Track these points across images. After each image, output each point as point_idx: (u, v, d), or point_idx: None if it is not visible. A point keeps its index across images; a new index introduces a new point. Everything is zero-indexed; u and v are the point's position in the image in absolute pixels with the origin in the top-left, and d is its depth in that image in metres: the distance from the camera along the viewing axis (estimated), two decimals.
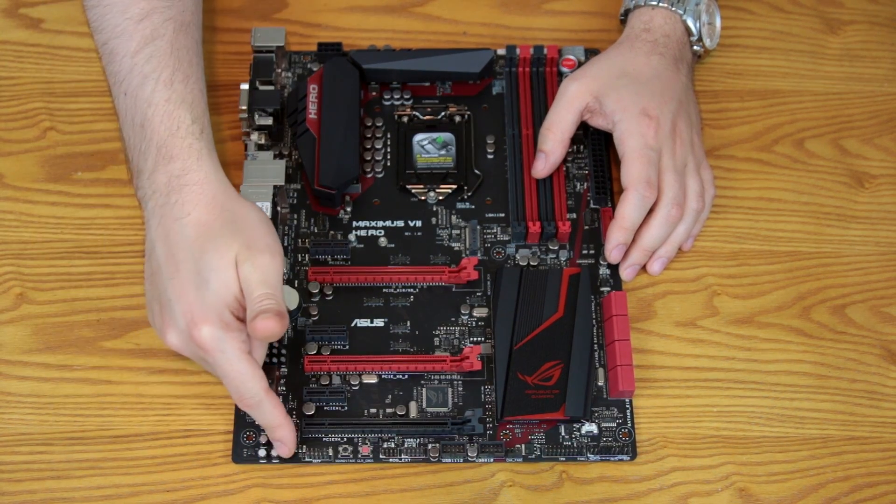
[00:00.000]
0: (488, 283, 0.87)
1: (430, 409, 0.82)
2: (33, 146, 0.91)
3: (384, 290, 0.86)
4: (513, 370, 0.82)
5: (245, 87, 0.90)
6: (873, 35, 0.99)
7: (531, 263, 0.87)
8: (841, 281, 0.88)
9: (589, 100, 0.88)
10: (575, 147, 0.92)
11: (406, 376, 0.83)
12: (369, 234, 0.89)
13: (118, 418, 0.82)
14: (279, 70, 0.94)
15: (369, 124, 0.93)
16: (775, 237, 0.90)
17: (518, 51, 0.95)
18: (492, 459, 0.81)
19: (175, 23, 0.83)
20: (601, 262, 0.88)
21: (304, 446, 0.81)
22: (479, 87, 0.95)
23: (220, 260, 0.76)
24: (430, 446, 0.81)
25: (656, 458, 0.82)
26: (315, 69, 0.95)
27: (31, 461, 0.80)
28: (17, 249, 0.87)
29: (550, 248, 0.88)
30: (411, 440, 0.81)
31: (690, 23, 0.91)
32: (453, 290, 0.87)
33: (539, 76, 0.95)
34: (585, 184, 0.91)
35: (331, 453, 0.81)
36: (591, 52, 0.96)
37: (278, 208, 0.88)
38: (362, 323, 0.85)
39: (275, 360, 0.83)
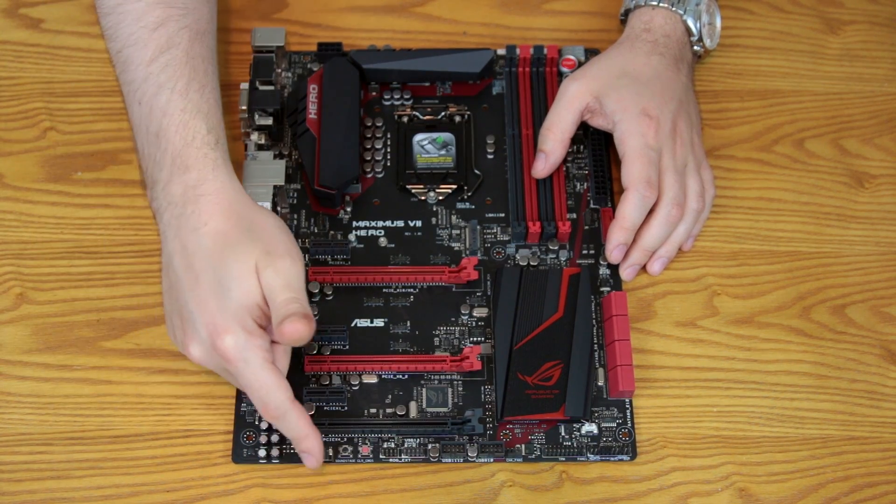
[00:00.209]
0: (488, 283, 0.87)
1: (430, 410, 0.82)
2: (33, 146, 0.91)
3: (384, 290, 0.86)
4: (513, 370, 0.82)
5: (245, 87, 0.90)
6: (873, 35, 0.99)
7: (531, 263, 0.87)
8: (841, 281, 0.88)
9: (589, 100, 0.88)
10: (575, 147, 0.92)
11: (406, 376, 0.83)
12: (369, 234, 0.89)
13: (118, 418, 0.82)
14: (279, 70, 0.94)
15: (369, 124, 0.93)
16: (775, 237, 0.90)
17: (518, 51, 0.95)
18: (492, 459, 0.81)
19: (191, 31, 0.82)
20: (601, 262, 0.88)
21: None
22: (479, 88, 0.95)
23: (241, 268, 0.75)
24: (430, 446, 0.81)
25: (656, 458, 0.82)
26: (315, 69, 0.95)
27: (31, 461, 0.80)
28: (17, 249, 0.87)
29: (550, 248, 0.88)
30: (411, 440, 0.81)
31: (691, 23, 0.91)
32: (453, 290, 0.87)
33: (539, 76, 0.95)
34: (585, 184, 0.91)
35: (331, 453, 0.81)
36: (591, 52, 0.96)
37: (278, 208, 0.88)
38: (362, 323, 0.85)
39: None
